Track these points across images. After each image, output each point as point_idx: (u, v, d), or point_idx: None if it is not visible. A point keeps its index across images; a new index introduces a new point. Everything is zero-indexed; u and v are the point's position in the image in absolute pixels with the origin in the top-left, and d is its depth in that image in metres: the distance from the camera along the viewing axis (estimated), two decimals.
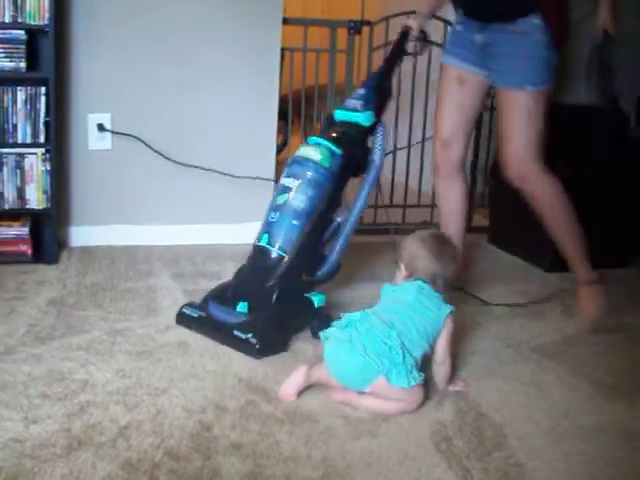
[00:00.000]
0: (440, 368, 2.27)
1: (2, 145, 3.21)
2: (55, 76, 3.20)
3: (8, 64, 3.13)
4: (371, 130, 2.82)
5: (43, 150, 3.24)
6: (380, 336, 2.14)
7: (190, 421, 2.00)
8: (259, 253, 2.66)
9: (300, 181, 2.65)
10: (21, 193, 3.25)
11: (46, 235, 3.35)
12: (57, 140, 3.30)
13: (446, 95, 3.03)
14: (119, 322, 2.65)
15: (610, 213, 3.63)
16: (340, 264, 2.79)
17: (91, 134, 3.50)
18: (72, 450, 1.83)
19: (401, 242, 2.43)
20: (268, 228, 2.65)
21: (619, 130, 3.77)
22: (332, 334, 2.22)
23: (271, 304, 2.54)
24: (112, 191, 3.55)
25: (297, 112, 4.46)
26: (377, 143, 2.84)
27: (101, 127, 3.50)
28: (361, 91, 2.85)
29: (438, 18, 4.14)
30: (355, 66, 4.04)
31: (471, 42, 2.91)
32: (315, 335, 2.55)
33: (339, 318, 2.27)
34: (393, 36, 4.01)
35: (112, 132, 3.49)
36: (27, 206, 3.27)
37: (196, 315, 2.62)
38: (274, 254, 2.61)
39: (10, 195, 3.24)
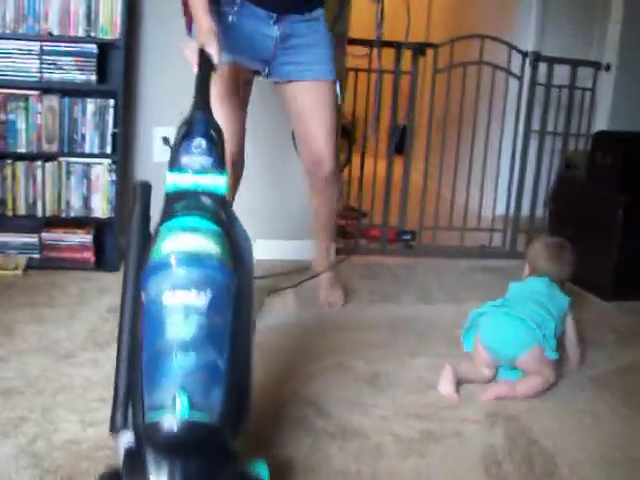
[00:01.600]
0: (577, 350, 2.67)
1: (70, 155, 3.31)
2: (124, 89, 3.29)
3: (79, 77, 3.23)
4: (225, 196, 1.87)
5: (109, 161, 3.33)
6: (533, 310, 2.48)
7: None
8: (175, 430, 1.43)
9: (209, 293, 1.58)
10: (86, 202, 3.35)
11: (108, 243, 3.44)
12: (123, 152, 3.39)
13: (226, 95, 2.62)
14: None
15: None
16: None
17: (156, 147, 3.58)
18: None
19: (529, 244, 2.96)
20: (183, 384, 1.46)
21: None
22: (488, 309, 2.54)
23: None
24: None
25: (361, 132, 4.48)
26: (233, 214, 1.90)
27: (166, 140, 3.55)
28: (200, 143, 1.97)
29: (503, 42, 4.15)
30: (419, 88, 4.06)
31: (261, 35, 2.62)
32: None
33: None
34: (457, 59, 4.06)
35: (171, 147, 3.54)
36: (92, 215, 3.37)
37: None
38: (198, 424, 1.45)
39: (76, 203, 3.34)
